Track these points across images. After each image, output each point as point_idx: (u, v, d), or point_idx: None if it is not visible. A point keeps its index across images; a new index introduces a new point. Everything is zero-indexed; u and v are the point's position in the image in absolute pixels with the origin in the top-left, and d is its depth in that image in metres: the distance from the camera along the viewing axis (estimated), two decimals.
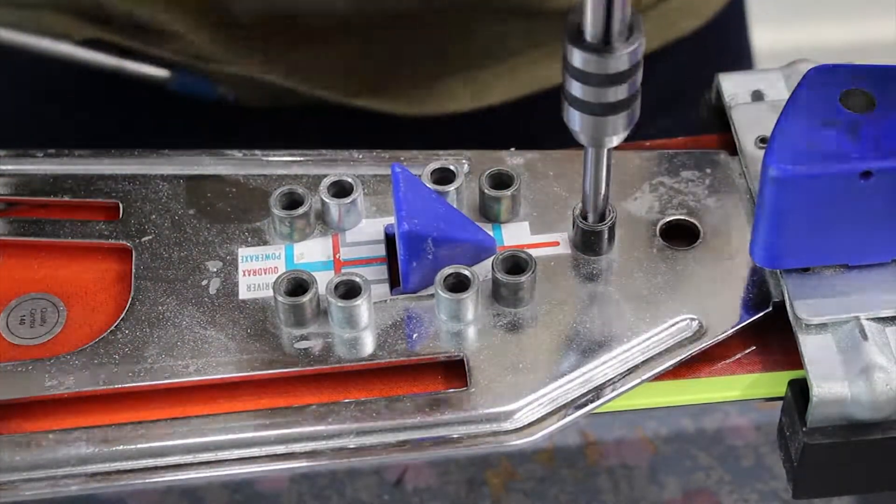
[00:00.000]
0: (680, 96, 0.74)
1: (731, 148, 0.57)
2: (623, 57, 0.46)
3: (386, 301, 0.53)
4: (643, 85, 0.48)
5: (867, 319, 0.50)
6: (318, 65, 0.73)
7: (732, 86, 0.59)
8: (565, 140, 0.51)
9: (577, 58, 0.47)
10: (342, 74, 0.74)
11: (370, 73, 0.74)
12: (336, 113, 0.75)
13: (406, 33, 0.72)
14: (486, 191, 0.55)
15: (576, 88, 0.47)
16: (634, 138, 0.52)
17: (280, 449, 0.50)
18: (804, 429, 0.49)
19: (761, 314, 0.52)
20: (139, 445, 0.50)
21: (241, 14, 0.72)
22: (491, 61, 0.74)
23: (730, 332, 0.52)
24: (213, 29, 0.73)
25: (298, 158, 0.58)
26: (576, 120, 0.49)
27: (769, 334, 0.53)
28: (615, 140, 0.49)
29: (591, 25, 0.46)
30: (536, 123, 0.71)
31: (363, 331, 0.52)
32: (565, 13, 0.47)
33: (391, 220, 0.55)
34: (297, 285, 0.52)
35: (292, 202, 0.55)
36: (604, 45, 0.46)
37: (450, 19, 0.72)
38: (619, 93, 0.47)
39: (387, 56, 0.73)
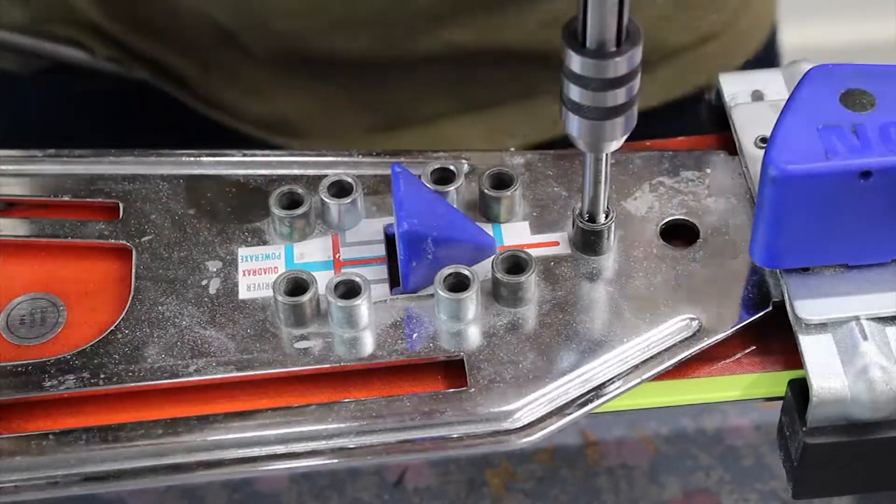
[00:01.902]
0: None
1: (731, 148, 0.57)
2: (621, 61, 0.46)
3: (386, 301, 0.53)
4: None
5: (867, 319, 0.50)
6: (334, 102, 0.73)
7: (732, 86, 0.59)
8: None
9: (576, 62, 0.47)
10: (356, 111, 0.74)
11: (385, 112, 0.74)
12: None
13: (423, 74, 0.72)
14: (486, 191, 0.55)
15: (574, 93, 0.47)
16: (635, 138, 0.52)
17: (280, 449, 0.50)
18: (804, 429, 0.49)
19: (761, 314, 0.52)
20: (139, 445, 0.50)
21: (257, 53, 0.71)
22: (510, 103, 0.74)
23: (730, 331, 0.52)
24: (223, 73, 0.73)
25: (298, 158, 0.58)
26: (574, 125, 0.49)
27: (769, 334, 0.53)
28: (613, 145, 0.49)
29: (589, 30, 0.46)
30: None
31: (363, 331, 0.52)
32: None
33: (391, 220, 0.55)
34: (297, 285, 0.52)
35: (292, 202, 0.55)
36: (602, 50, 0.46)
37: (467, 61, 0.71)
38: (617, 97, 0.47)
39: (403, 97, 0.73)
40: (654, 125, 0.59)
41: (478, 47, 0.70)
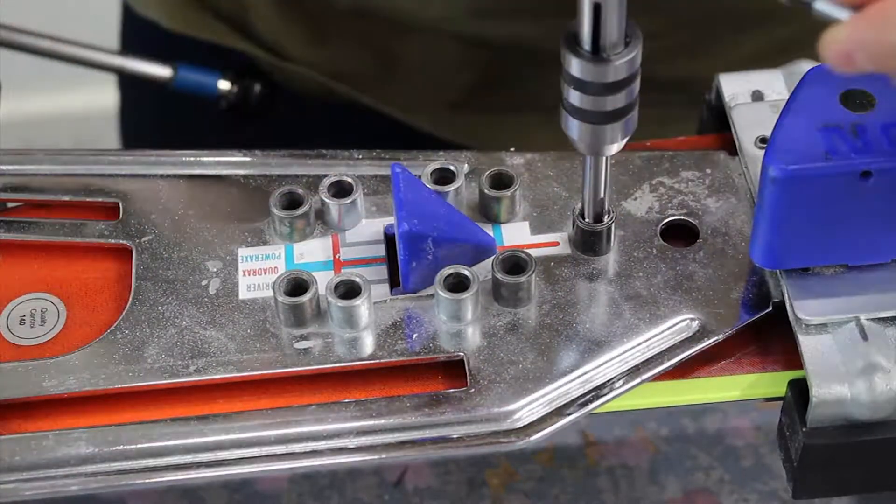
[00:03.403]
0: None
1: (731, 148, 0.57)
2: (621, 66, 0.46)
3: (386, 301, 0.53)
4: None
5: (867, 319, 0.50)
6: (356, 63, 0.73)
7: (732, 86, 0.59)
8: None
9: (575, 66, 0.47)
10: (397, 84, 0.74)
11: (422, 90, 0.74)
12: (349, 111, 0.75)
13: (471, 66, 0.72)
14: (486, 191, 0.55)
15: (574, 97, 0.47)
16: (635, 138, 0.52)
17: (280, 449, 0.50)
18: (804, 429, 0.49)
19: (761, 314, 0.52)
20: (139, 445, 0.50)
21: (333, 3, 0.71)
22: (538, 108, 0.74)
23: (730, 332, 0.52)
24: (298, 19, 0.73)
25: (298, 159, 0.58)
26: (574, 129, 0.49)
27: (769, 334, 0.53)
28: (614, 148, 0.49)
29: (589, 34, 0.46)
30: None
31: (363, 331, 0.52)
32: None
33: (391, 220, 0.55)
34: (297, 285, 0.52)
35: (292, 202, 0.55)
36: (602, 54, 0.46)
37: (518, 58, 0.71)
38: (617, 101, 0.47)
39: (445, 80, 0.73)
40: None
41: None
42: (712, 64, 0.63)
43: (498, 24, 0.70)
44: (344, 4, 0.71)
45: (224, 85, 0.75)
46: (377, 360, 0.51)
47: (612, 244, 0.54)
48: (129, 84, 0.82)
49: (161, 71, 0.74)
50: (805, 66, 0.58)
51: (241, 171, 0.58)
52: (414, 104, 0.74)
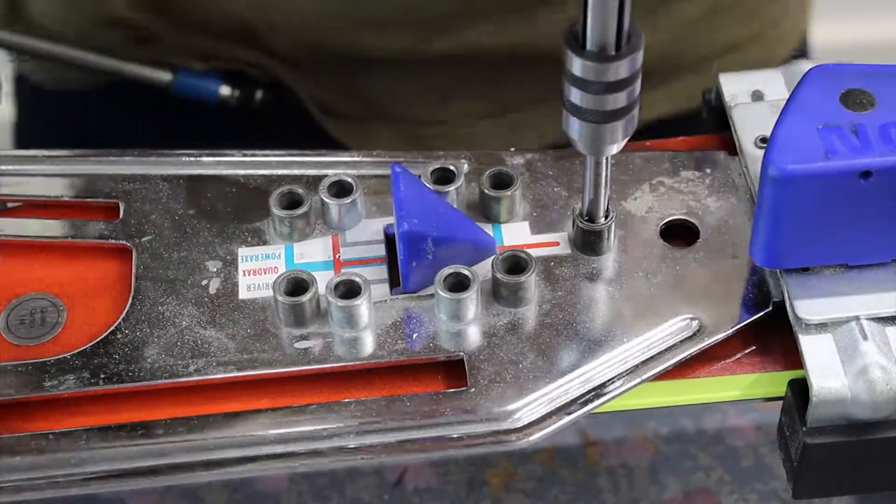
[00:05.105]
0: None
1: (731, 148, 0.57)
2: (622, 65, 0.46)
3: (386, 301, 0.53)
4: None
5: (867, 319, 0.50)
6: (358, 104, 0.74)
7: (732, 86, 0.59)
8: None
9: (577, 65, 0.47)
10: (381, 98, 0.74)
11: (411, 113, 0.74)
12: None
13: (446, 74, 0.72)
14: (486, 191, 0.55)
15: (575, 96, 0.47)
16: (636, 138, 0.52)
17: (280, 449, 0.50)
18: (804, 429, 0.50)
19: (761, 314, 0.52)
20: (139, 445, 0.50)
21: (281, 52, 0.72)
22: (528, 108, 0.74)
23: (730, 332, 0.52)
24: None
25: (298, 158, 0.58)
26: (575, 128, 0.49)
27: (769, 334, 0.53)
28: (614, 148, 0.49)
29: (590, 33, 0.46)
30: None
31: (363, 331, 0.52)
32: None
33: (391, 220, 0.55)
34: (297, 285, 0.52)
35: (292, 202, 0.55)
36: (603, 53, 0.46)
37: (492, 61, 0.71)
38: (618, 101, 0.47)
39: (432, 97, 0.73)
40: (660, 134, 0.59)
41: (504, 49, 0.70)
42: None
43: (456, 38, 0.70)
44: (301, 43, 0.71)
45: (225, 90, 0.74)
46: (377, 360, 0.51)
47: (612, 244, 0.54)
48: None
49: (160, 75, 0.74)
50: (805, 66, 0.58)
51: (241, 171, 0.58)
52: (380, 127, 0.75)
